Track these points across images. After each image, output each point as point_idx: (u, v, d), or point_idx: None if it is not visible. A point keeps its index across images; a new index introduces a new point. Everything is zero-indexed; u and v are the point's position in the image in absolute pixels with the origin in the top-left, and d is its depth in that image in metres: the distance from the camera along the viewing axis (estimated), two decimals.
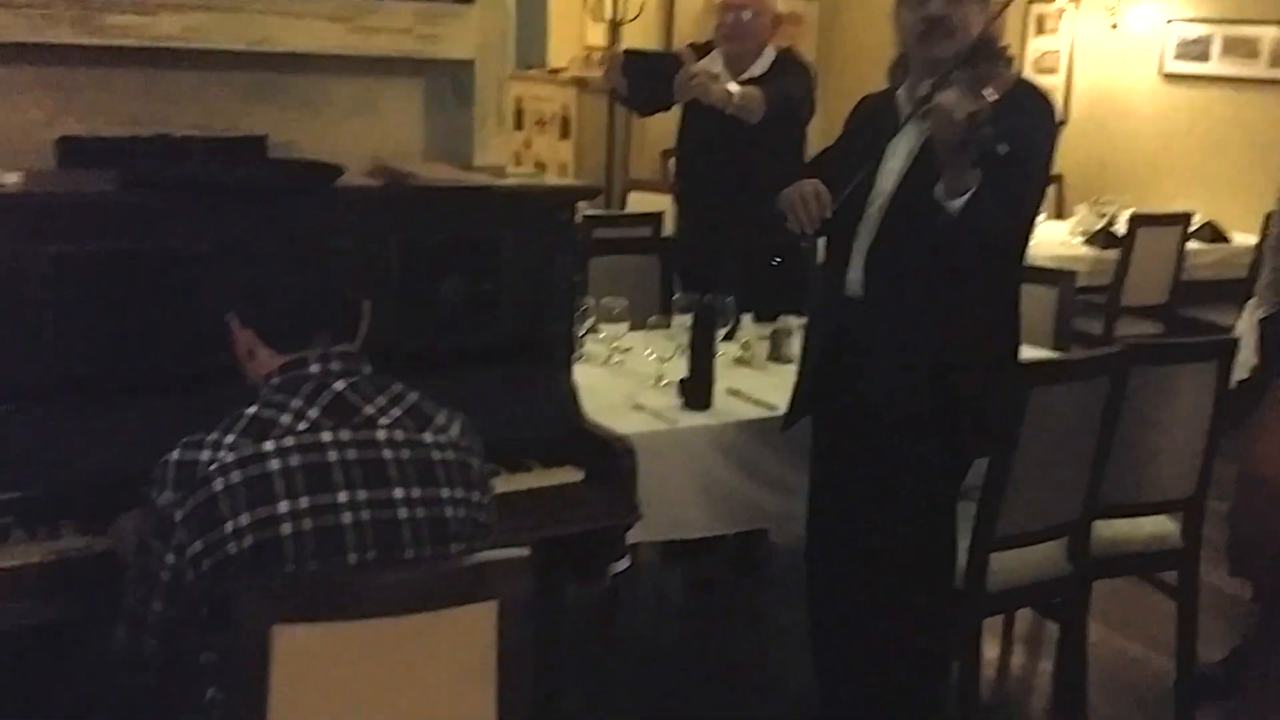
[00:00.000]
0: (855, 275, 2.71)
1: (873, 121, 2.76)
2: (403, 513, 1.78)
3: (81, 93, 2.65)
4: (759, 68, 3.89)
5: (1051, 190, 6.60)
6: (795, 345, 3.46)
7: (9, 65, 2.57)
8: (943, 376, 2.65)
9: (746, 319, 3.56)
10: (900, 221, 2.63)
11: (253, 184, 2.41)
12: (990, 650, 3.58)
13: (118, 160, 2.47)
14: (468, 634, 1.72)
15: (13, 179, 2.26)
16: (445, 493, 1.83)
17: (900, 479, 2.71)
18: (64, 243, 2.23)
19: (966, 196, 2.41)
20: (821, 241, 3.03)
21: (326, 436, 1.77)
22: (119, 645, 1.83)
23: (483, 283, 2.68)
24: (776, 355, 3.48)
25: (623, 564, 2.80)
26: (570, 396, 2.79)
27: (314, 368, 1.82)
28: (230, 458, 1.72)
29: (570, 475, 2.63)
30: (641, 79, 3.87)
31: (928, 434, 2.67)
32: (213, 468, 1.72)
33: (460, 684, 1.74)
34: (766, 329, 3.56)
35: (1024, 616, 3.73)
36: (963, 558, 2.83)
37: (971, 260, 2.57)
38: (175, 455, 1.75)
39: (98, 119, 2.65)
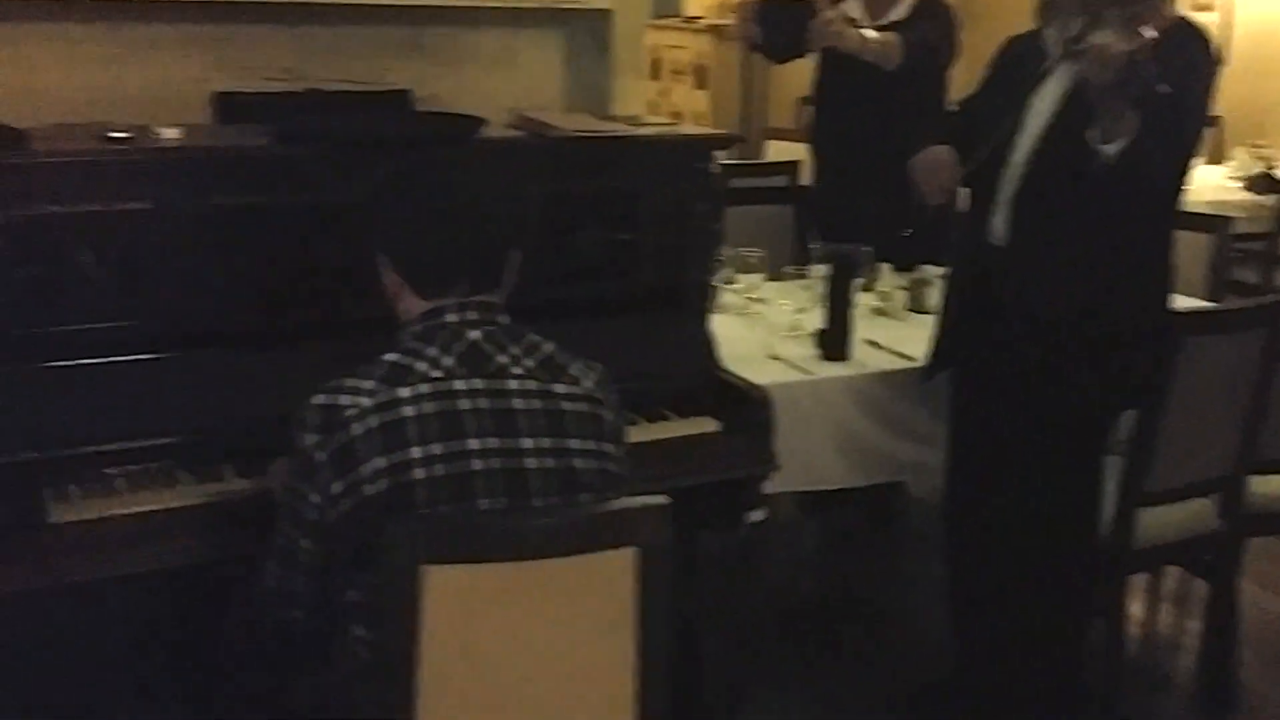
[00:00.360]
0: (1000, 223, 2.64)
1: (1019, 64, 2.68)
2: (531, 462, 1.81)
3: (235, 49, 2.74)
4: (898, 12, 3.80)
5: (1209, 133, 6.33)
6: (935, 295, 3.41)
7: (167, 23, 2.67)
8: (1091, 326, 2.58)
9: (885, 268, 3.51)
10: (1048, 167, 2.55)
11: (399, 136, 2.46)
12: (1135, 609, 3.50)
13: (271, 114, 2.55)
14: (609, 580, 1.75)
15: (173, 133, 2.35)
16: (575, 444, 1.85)
17: (1045, 431, 2.65)
18: (222, 195, 2.32)
19: (1124, 142, 2.33)
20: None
21: (460, 385, 1.81)
22: (270, 581, 1.91)
23: (621, 232, 2.70)
24: (916, 305, 3.43)
25: (759, 515, 2.80)
26: (707, 346, 2.79)
27: (451, 317, 1.86)
28: (368, 403, 1.77)
29: (707, 425, 2.64)
30: (776, 26, 3.80)
31: (1074, 385, 2.61)
32: (352, 412, 1.77)
33: (602, 629, 1.77)
34: (905, 279, 3.50)
35: (1171, 574, 3.64)
36: (1109, 513, 2.77)
37: (1125, 207, 2.49)
38: (318, 399, 1.80)
39: (250, 74, 2.74)
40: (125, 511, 2.12)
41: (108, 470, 2.20)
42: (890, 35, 3.65)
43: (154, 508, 2.14)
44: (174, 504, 2.15)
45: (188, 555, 2.15)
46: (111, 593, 2.23)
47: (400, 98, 2.80)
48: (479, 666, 1.72)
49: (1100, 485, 2.73)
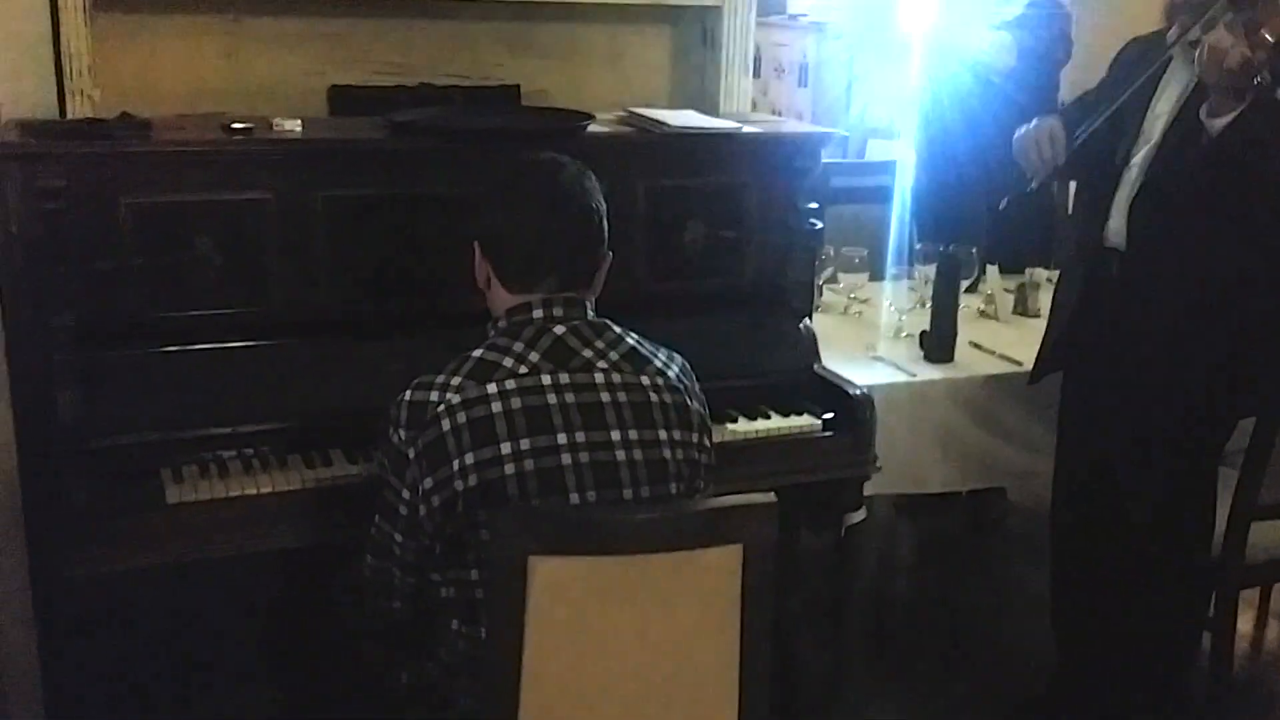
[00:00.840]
0: (1116, 226, 2.59)
1: (1140, 65, 2.61)
2: (620, 454, 1.82)
3: (349, 43, 2.78)
4: (1011, 9, 3.75)
5: None
6: (1042, 298, 3.35)
7: (283, 17, 2.73)
8: (1209, 331, 2.51)
9: (991, 270, 3.46)
10: (1168, 171, 2.49)
11: (509, 131, 2.48)
12: (1245, 624, 3.40)
13: (383, 107, 2.59)
14: (713, 576, 1.75)
15: (292, 126, 2.40)
16: (663, 434, 1.85)
17: (1158, 439, 2.59)
18: (338, 186, 2.36)
19: (1231, 116, 2.27)
20: (1071, 191, 2.92)
21: (546, 380, 1.82)
22: (369, 573, 1.94)
23: (725, 229, 2.70)
24: (1022, 309, 3.38)
25: (858, 515, 2.79)
26: (809, 345, 2.78)
27: (537, 313, 1.87)
28: (456, 399, 1.79)
29: (808, 424, 2.62)
30: None
31: (1190, 392, 2.55)
32: (440, 408, 1.79)
33: (705, 625, 1.77)
34: (1012, 281, 3.45)
35: None
36: (1221, 525, 2.70)
37: (1241, 198, 2.42)
38: (407, 395, 1.83)
39: (364, 68, 2.78)
40: (238, 494, 2.17)
41: (222, 453, 2.25)
42: (1004, 36, 3.60)
43: (265, 491, 2.18)
44: (285, 488, 2.20)
45: (297, 538, 2.20)
46: (222, 572, 2.28)
47: (510, 92, 2.83)
48: (582, 659, 1.73)
49: (1214, 496, 2.66)
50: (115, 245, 2.24)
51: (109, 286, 2.24)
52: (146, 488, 2.14)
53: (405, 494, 1.82)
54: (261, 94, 2.70)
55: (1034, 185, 2.60)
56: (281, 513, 2.18)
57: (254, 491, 2.17)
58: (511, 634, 1.69)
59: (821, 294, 3.30)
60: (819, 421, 2.62)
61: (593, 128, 2.60)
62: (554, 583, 1.68)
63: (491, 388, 1.80)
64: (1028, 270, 3.46)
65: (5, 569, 2.51)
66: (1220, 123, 2.31)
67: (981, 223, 3.59)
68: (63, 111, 2.47)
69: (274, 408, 2.29)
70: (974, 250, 3.29)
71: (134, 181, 2.24)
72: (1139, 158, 2.54)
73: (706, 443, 1.93)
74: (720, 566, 1.74)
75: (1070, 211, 2.87)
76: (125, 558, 2.07)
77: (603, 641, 1.73)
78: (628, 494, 1.81)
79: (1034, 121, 2.58)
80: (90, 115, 2.43)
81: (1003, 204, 2.84)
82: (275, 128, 2.40)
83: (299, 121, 2.42)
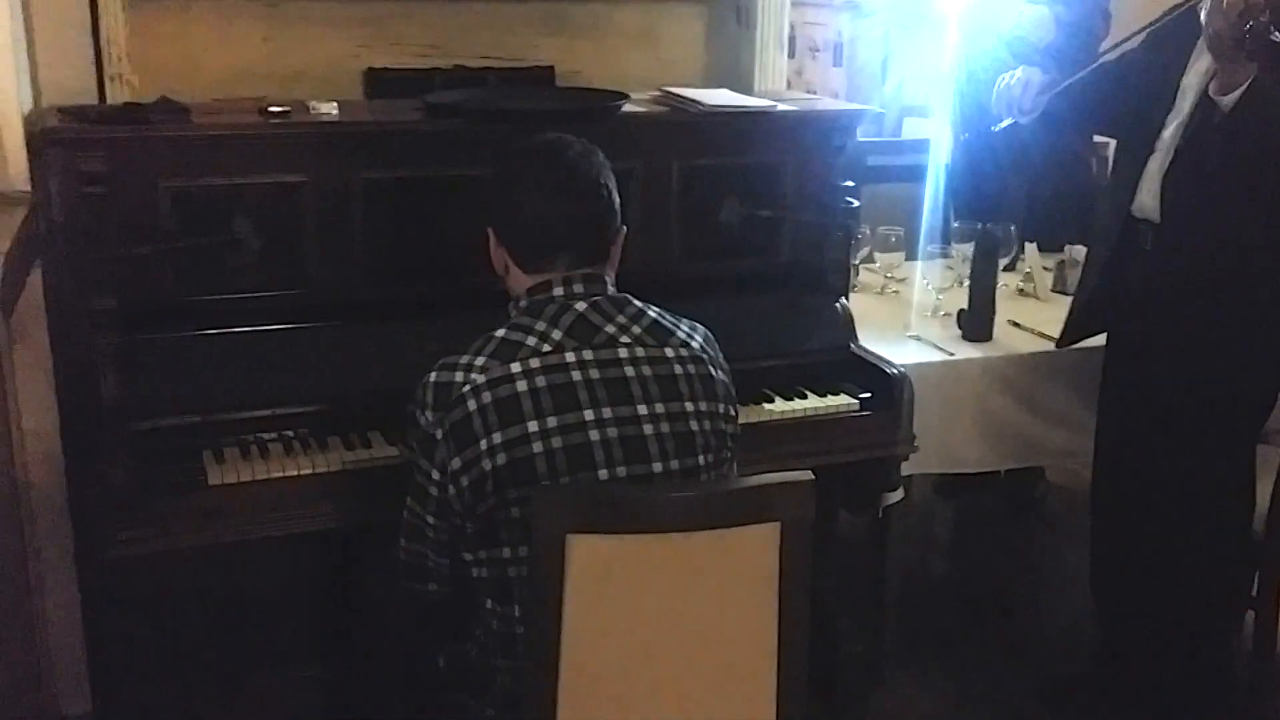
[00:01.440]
0: (1148, 198, 2.56)
1: (1173, 35, 2.58)
2: (648, 428, 1.82)
3: (385, 26, 2.79)
4: None
5: None
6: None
7: (320, 1, 2.74)
8: (1246, 306, 2.49)
9: (1030, 248, 3.43)
10: (1194, 144, 2.46)
11: (545, 112, 2.48)
12: None
13: (419, 89, 2.59)
14: (751, 553, 1.75)
15: (329, 109, 2.41)
16: (689, 406, 1.85)
17: (1198, 416, 2.57)
18: (375, 169, 2.37)
19: (1239, 91, 2.25)
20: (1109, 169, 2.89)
21: (570, 357, 1.82)
22: (404, 555, 1.95)
23: (761, 208, 2.69)
24: (1061, 286, 3.35)
25: (896, 495, 2.78)
26: (846, 324, 2.77)
27: (557, 291, 1.87)
28: (481, 379, 1.79)
29: (845, 403, 2.62)
30: None
31: (1230, 366, 2.52)
32: (466, 389, 1.79)
33: (743, 603, 1.77)
34: (1051, 259, 3.42)
35: None
36: (1263, 503, 2.67)
37: (1258, 170, 2.39)
38: (432, 377, 1.83)
39: (399, 51, 2.79)
40: (278, 475, 2.19)
41: (262, 435, 2.27)
42: (1042, 10, 3.56)
43: (306, 472, 2.20)
44: (325, 469, 2.21)
45: (336, 519, 2.22)
46: (263, 553, 2.31)
47: (544, 73, 2.83)
48: (620, 637, 1.74)
49: (1254, 474, 2.63)
50: (155, 229, 2.26)
51: (149, 270, 2.26)
52: (188, 469, 2.16)
53: (435, 475, 1.83)
54: (298, 77, 2.72)
55: (998, 127, 2.77)
56: (322, 494, 2.20)
57: (294, 473, 2.19)
58: (550, 612, 1.70)
59: (858, 274, 3.28)
60: (856, 401, 2.62)
61: (628, 107, 2.59)
62: (592, 561, 1.68)
63: (516, 367, 1.80)
64: (1066, 247, 3.42)
65: (51, 551, 2.55)
66: (1229, 100, 2.30)
67: (1019, 200, 3.56)
68: (102, 97, 2.49)
69: (313, 390, 2.31)
70: (1012, 228, 3.26)
71: (173, 165, 2.26)
72: (1170, 130, 2.52)
73: (732, 412, 1.93)
74: (758, 545, 1.74)
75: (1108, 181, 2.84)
76: (168, 539, 2.09)
77: (641, 619, 1.73)
78: (656, 467, 1.81)
79: (1016, 69, 2.68)
80: (129, 100, 2.45)
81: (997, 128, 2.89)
82: (312, 111, 2.41)
83: (335, 104, 2.43)
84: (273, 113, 2.35)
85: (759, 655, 1.79)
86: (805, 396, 2.61)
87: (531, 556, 1.71)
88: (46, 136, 2.20)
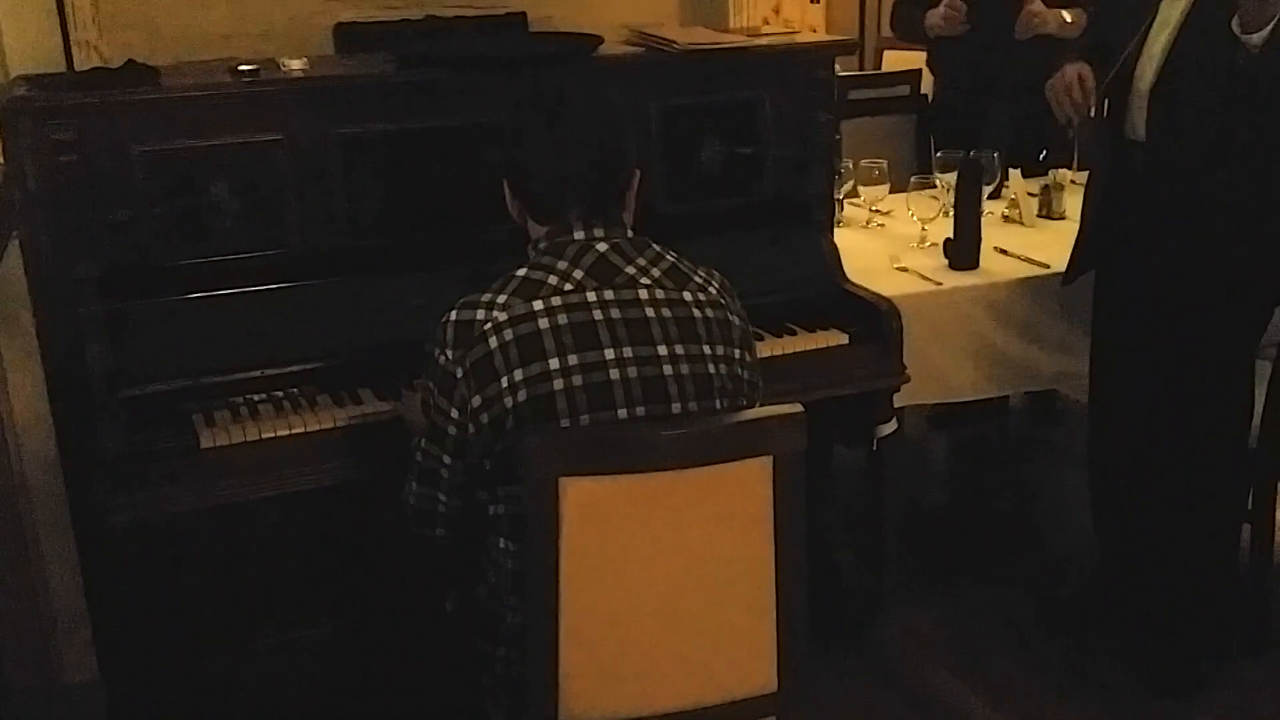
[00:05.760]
0: (1137, 118, 2.54)
1: None
2: (668, 369, 1.82)
3: None
4: None
5: None
6: (1067, 200, 3.31)
7: None
8: (1239, 221, 2.48)
9: (1014, 174, 3.41)
10: (1187, 59, 2.44)
11: (517, 58, 2.46)
12: None
13: (390, 43, 2.56)
14: (745, 488, 1.75)
15: (299, 65, 2.38)
16: (707, 349, 1.85)
17: (1192, 332, 2.56)
18: (350, 123, 2.35)
19: (1269, 28, 2.22)
20: None
21: (591, 296, 1.82)
22: (413, 500, 1.95)
23: (742, 145, 2.67)
24: (1047, 211, 3.34)
25: (890, 427, 2.78)
26: (832, 259, 2.76)
27: (578, 233, 1.87)
28: (503, 316, 1.79)
29: (834, 338, 2.62)
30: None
31: (1223, 284, 2.52)
32: (487, 326, 1.79)
33: (738, 539, 1.77)
34: (1035, 184, 3.40)
35: None
36: (1258, 418, 2.67)
37: (1275, 99, 2.37)
38: (453, 315, 1.83)
39: (369, 4, 2.75)
40: (270, 435, 2.19)
41: (252, 396, 2.27)
42: (1080, 15, 3.52)
43: (297, 431, 2.20)
44: (316, 427, 2.21)
45: (331, 476, 2.21)
46: (259, 512, 2.31)
47: (516, 20, 2.80)
48: (619, 576, 1.74)
49: (1250, 388, 2.64)
50: (131, 194, 2.24)
51: (128, 236, 2.25)
52: (180, 434, 2.16)
53: (454, 413, 1.83)
54: (267, 36, 2.68)
55: (1072, 132, 2.69)
56: (314, 452, 2.20)
57: (286, 432, 2.20)
58: (548, 554, 1.70)
59: (842, 209, 3.26)
60: (845, 336, 2.61)
61: (602, 50, 2.56)
62: (586, 502, 1.68)
63: (538, 304, 1.80)
64: (1051, 171, 3.41)
65: (48, 521, 2.55)
66: (1258, 38, 2.25)
67: (1003, 128, 3.54)
68: (70, 64, 2.46)
69: (300, 349, 2.30)
70: (995, 155, 3.25)
71: (146, 129, 2.24)
72: (1156, 47, 2.49)
73: (749, 358, 1.93)
74: (751, 478, 1.74)
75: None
76: (165, 503, 2.09)
77: (638, 558, 1.74)
78: (676, 408, 1.81)
79: (1064, 68, 2.57)
80: (97, 66, 2.42)
81: (1042, 155, 2.84)
82: (283, 68, 2.38)
83: (306, 60, 2.41)
84: (243, 72, 2.33)
85: (758, 589, 1.80)
86: (794, 333, 2.60)
87: (526, 500, 1.71)
88: (15, 106, 2.18)
